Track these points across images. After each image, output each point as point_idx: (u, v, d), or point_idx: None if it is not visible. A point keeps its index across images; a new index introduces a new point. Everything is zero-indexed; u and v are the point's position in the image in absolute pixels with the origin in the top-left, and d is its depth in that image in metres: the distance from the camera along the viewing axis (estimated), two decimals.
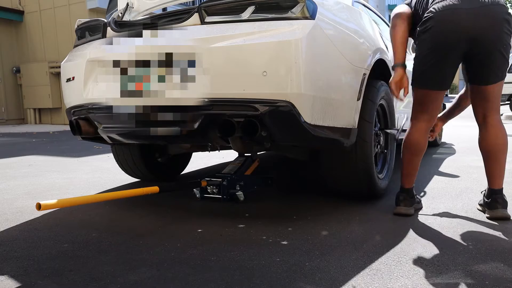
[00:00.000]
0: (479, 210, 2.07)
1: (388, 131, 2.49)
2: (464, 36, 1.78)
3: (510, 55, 1.95)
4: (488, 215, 1.94)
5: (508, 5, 9.53)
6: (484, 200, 2.00)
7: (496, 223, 1.86)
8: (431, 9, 1.86)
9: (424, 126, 1.98)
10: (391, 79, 2.02)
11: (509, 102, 10.43)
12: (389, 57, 2.61)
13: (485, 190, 2.02)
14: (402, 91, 2.04)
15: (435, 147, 4.70)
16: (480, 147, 1.97)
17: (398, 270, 1.39)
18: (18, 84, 11.43)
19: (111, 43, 2.01)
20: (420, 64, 1.93)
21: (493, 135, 1.91)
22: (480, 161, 3.53)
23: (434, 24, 1.82)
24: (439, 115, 2.39)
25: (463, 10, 1.77)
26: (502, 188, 1.95)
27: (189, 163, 3.35)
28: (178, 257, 1.54)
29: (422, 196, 2.38)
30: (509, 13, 1.78)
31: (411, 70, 1.99)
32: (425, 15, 1.88)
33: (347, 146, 2.05)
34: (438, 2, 1.85)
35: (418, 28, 1.92)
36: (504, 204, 1.92)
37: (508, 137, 1.93)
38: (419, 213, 2.05)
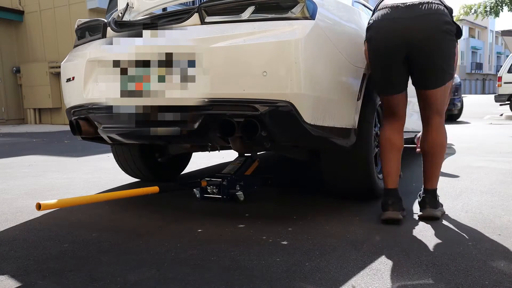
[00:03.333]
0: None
1: None
2: (401, 44, 1.80)
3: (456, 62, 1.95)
4: (418, 214, 1.99)
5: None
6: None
7: (496, 223, 1.86)
8: (371, 18, 1.91)
9: (395, 125, 2.01)
10: None
11: (509, 102, 10.43)
12: None
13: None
14: None
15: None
16: (421, 147, 2.02)
17: (398, 270, 1.39)
18: (18, 84, 11.43)
19: (111, 43, 2.01)
20: (372, 73, 2.00)
21: (433, 136, 1.96)
22: (480, 161, 3.54)
23: (373, 33, 1.88)
24: None
25: (399, 20, 1.80)
26: (436, 189, 2.00)
27: (189, 163, 3.35)
28: (178, 257, 1.54)
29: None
30: (448, 22, 1.78)
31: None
32: (367, 25, 1.93)
33: (347, 146, 2.05)
34: (378, 10, 1.89)
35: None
36: (433, 203, 1.96)
37: (448, 140, 1.95)
38: (418, 213, 2.05)
